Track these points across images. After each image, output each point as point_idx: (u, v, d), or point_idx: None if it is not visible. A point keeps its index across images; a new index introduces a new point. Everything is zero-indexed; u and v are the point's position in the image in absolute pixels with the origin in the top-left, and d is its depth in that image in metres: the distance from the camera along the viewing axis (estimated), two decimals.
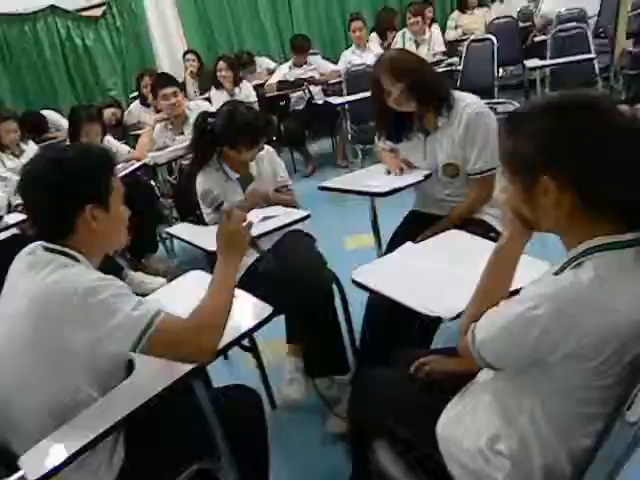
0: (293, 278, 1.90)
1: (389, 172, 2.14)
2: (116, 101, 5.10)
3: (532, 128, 0.92)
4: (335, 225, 3.62)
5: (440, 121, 1.97)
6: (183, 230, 2.29)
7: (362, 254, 2.26)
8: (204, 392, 1.31)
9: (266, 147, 2.34)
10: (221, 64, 5.01)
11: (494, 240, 1.94)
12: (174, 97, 3.63)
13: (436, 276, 1.31)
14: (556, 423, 0.95)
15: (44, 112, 4.94)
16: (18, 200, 3.23)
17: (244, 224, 1.39)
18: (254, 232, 1.48)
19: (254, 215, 1.91)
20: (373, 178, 2.13)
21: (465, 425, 1.07)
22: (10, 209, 3.13)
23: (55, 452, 1.10)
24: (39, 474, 1.05)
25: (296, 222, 1.92)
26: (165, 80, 3.72)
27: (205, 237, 1.85)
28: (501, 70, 5.54)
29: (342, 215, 3.76)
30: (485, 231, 2.01)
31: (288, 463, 1.90)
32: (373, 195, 1.96)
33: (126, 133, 4.60)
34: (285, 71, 5.43)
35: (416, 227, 2.14)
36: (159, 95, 3.66)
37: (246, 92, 5.09)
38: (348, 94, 4.71)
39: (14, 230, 2.99)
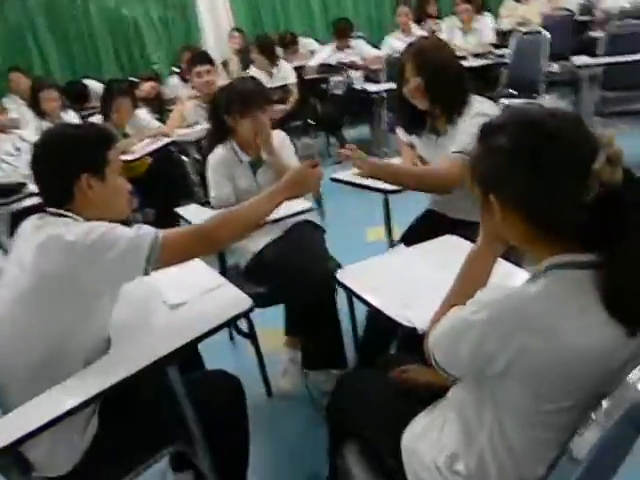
0: (294, 269, 1.89)
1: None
2: (156, 74, 5.15)
3: (486, 145, 0.90)
4: (358, 215, 3.57)
5: (449, 126, 1.91)
6: (192, 212, 2.30)
7: (382, 246, 2.23)
8: (177, 376, 1.31)
9: (277, 132, 2.33)
10: (252, 47, 4.99)
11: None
12: (207, 75, 3.62)
13: (422, 283, 1.26)
14: (512, 445, 0.90)
15: (87, 82, 5.05)
16: None
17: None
18: None
19: None
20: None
21: (430, 439, 1.04)
22: None
23: (20, 424, 1.12)
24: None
25: (299, 213, 1.88)
26: (200, 57, 3.72)
27: None
28: (555, 65, 5.31)
29: (366, 206, 3.68)
30: None
31: (276, 450, 1.91)
32: (378, 191, 1.90)
33: (162, 107, 4.64)
34: (327, 54, 5.37)
35: (428, 227, 2.09)
36: (193, 72, 3.66)
37: (284, 73, 5.06)
38: (387, 81, 4.60)
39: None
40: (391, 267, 1.40)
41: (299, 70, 5.36)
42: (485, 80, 4.81)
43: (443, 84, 1.86)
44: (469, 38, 5.33)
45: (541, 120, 0.85)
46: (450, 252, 1.35)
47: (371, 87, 4.60)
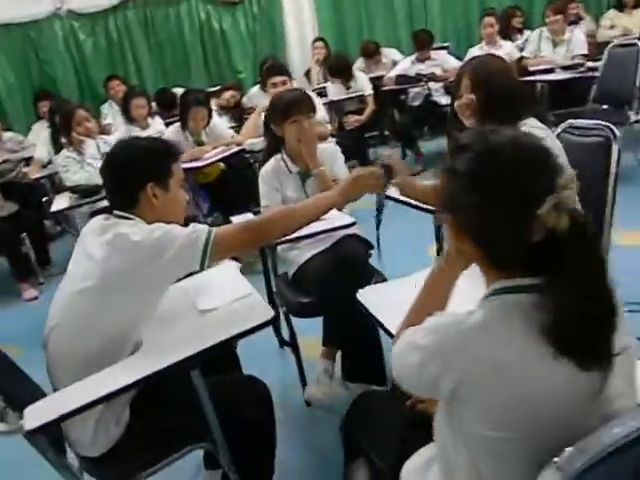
0: (331, 281, 1.90)
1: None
2: (238, 84, 5.35)
3: (449, 164, 0.88)
4: (425, 230, 3.51)
5: None
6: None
7: None
8: (199, 379, 1.37)
9: (328, 145, 2.37)
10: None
11: None
12: (282, 85, 3.71)
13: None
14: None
15: (176, 90, 5.35)
16: None
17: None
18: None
19: None
20: None
21: (424, 477, 1.01)
22: None
23: (51, 411, 1.22)
24: (33, 426, 1.18)
25: (340, 228, 1.89)
26: (276, 68, 3.83)
27: None
28: None
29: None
30: None
31: (308, 458, 1.92)
32: (425, 211, 1.87)
33: (242, 116, 4.82)
34: (406, 65, 5.34)
35: None
36: (269, 83, 3.78)
37: (361, 84, 5.09)
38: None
39: None
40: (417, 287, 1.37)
41: (379, 80, 5.39)
42: (574, 93, 4.58)
43: (496, 106, 1.80)
44: (559, 49, 5.08)
45: (499, 148, 0.82)
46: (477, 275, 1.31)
47: (441, 99, 4.51)
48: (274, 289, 2.32)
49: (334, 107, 5.31)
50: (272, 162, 2.35)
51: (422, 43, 5.12)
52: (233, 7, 6.09)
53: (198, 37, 6.01)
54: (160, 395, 1.45)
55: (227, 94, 4.77)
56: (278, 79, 3.71)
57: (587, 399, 0.79)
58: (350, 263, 2.02)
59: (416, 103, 5.21)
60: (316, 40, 6.25)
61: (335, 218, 1.85)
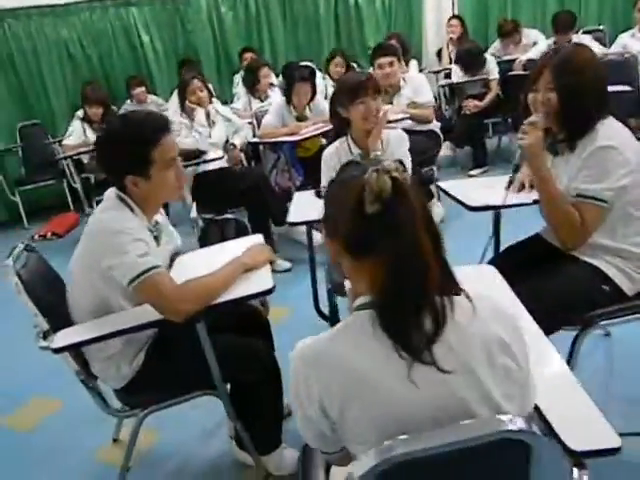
0: None
1: (509, 185, 1.92)
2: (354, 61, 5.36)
3: None
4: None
5: (567, 150, 1.72)
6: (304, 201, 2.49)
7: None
8: (204, 332, 1.52)
9: (396, 131, 2.36)
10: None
11: (603, 293, 1.65)
12: (389, 67, 3.70)
13: None
14: None
15: (302, 64, 5.54)
16: (237, 140, 3.83)
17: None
18: None
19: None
20: (492, 187, 1.95)
21: None
22: (228, 147, 3.71)
23: (74, 336, 1.48)
24: (59, 345, 1.44)
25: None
26: (383, 49, 3.80)
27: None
28: None
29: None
30: (598, 280, 1.71)
31: None
32: (463, 205, 1.81)
33: None
34: (543, 48, 4.93)
35: (528, 254, 1.93)
36: (375, 63, 3.78)
37: (487, 68, 4.84)
38: None
39: (222, 163, 3.58)
40: None
41: (511, 63, 5.08)
42: None
43: (578, 110, 1.67)
44: None
45: (355, 178, 0.90)
46: (480, 281, 1.28)
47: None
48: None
49: (457, 90, 5.13)
50: (336, 144, 2.41)
51: (562, 26, 4.70)
52: None
53: (332, 12, 6.09)
54: (173, 344, 1.63)
55: (335, 69, 4.81)
56: (384, 60, 3.69)
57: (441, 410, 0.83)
58: None
59: None
60: (451, 18, 6.02)
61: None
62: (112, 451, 2.08)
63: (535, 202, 1.83)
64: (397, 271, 0.86)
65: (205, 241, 3.28)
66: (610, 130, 1.66)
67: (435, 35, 6.48)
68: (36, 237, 4.77)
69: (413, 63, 5.01)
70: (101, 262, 1.49)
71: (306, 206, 2.36)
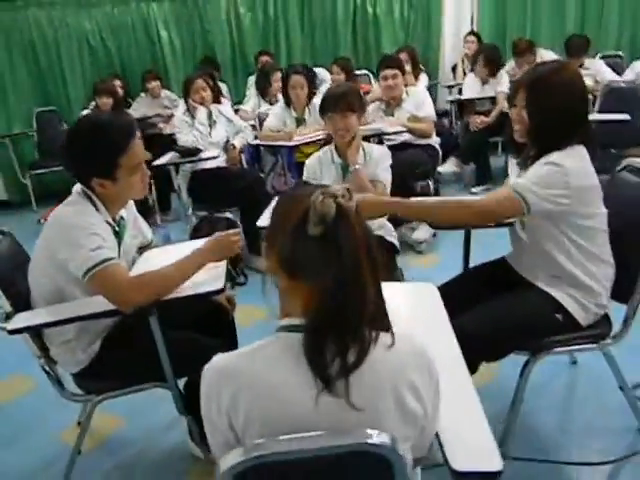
0: None
1: None
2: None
3: None
4: None
5: (531, 165, 1.73)
6: None
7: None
8: (156, 325, 1.58)
9: (382, 147, 2.42)
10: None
11: (555, 322, 1.67)
12: (392, 79, 3.74)
13: None
14: None
15: (317, 69, 5.59)
16: (237, 141, 3.89)
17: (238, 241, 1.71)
18: None
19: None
20: None
21: None
22: (228, 147, 3.77)
23: (31, 320, 1.56)
24: (15, 327, 1.53)
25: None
26: (388, 61, 3.84)
27: None
28: None
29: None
30: (551, 308, 1.73)
31: None
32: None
33: None
34: None
35: (489, 276, 1.96)
36: (380, 75, 3.82)
37: (500, 84, 4.83)
38: (600, 111, 4.05)
39: (219, 163, 3.65)
40: None
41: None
42: None
43: (544, 129, 1.68)
44: None
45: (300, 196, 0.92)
46: (419, 298, 1.31)
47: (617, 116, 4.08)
48: None
49: (466, 106, 5.14)
50: (320, 152, 2.46)
51: (574, 49, 4.69)
52: None
53: (351, 20, 6.13)
54: (129, 336, 1.69)
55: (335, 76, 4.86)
56: (388, 72, 3.73)
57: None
58: None
59: None
60: (469, 34, 6.03)
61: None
62: (76, 433, 2.15)
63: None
64: (333, 298, 0.85)
65: (196, 238, 3.35)
66: (569, 154, 1.65)
67: (452, 50, 6.48)
68: (42, 220, 4.89)
69: (423, 77, 5.03)
70: (57, 254, 1.55)
71: None
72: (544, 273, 1.78)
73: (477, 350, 1.73)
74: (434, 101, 6.13)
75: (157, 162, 3.47)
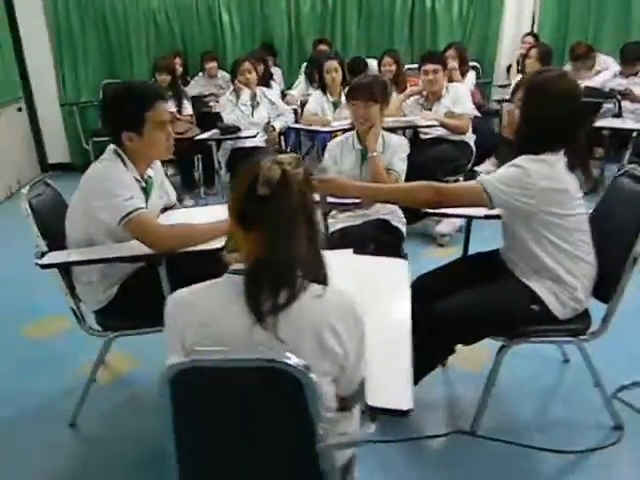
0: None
1: None
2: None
3: None
4: None
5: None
6: None
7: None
8: (164, 274, 1.80)
9: (400, 138, 2.53)
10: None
11: (531, 312, 1.77)
12: (433, 74, 3.82)
13: None
14: None
15: (368, 60, 5.70)
16: (277, 123, 4.08)
17: None
18: None
19: None
20: None
21: None
22: (268, 128, 3.98)
23: (60, 258, 1.82)
24: (45, 262, 1.78)
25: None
26: (429, 56, 3.92)
27: None
28: None
29: None
30: (528, 299, 1.83)
31: None
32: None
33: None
34: (607, 77, 4.85)
35: (479, 265, 2.07)
36: (422, 69, 3.91)
37: None
38: None
39: (258, 142, 3.86)
40: None
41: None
42: None
43: (528, 133, 1.78)
44: None
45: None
46: (387, 270, 1.46)
47: (622, 123, 4.06)
48: None
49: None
50: (342, 137, 2.61)
51: (629, 56, 4.59)
52: None
53: (408, 13, 6.17)
54: (143, 285, 1.92)
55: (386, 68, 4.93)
56: (429, 67, 3.81)
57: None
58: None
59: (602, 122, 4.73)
60: (527, 34, 5.97)
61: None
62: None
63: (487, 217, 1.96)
64: (270, 247, 1.04)
65: None
66: (538, 159, 1.72)
67: (510, 50, 6.42)
68: None
69: (470, 74, 5.04)
70: (91, 203, 1.79)
71: None
72: (524, 266, 1.88)
73: (453, 332, 1.87)
74: (487, 100, 6.15)
75: (199, 137, 3.71)
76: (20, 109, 5.73)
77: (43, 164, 6.18)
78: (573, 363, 2.40)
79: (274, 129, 3.95)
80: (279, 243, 1.03)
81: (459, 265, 2.15)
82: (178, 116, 4.74)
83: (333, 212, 2.52)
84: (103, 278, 1.91)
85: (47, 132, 6.14)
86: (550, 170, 1.72)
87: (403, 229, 2.52)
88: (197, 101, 5.42)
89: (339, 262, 1.61)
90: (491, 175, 1.77)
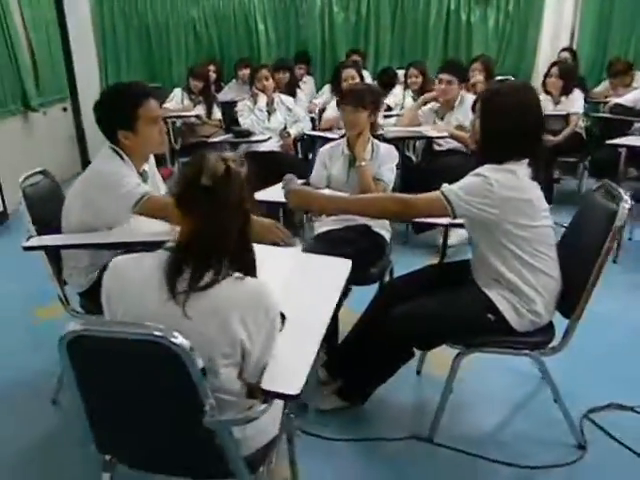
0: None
1: None
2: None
3: None
4: None
5: None
6: None
7: None
8: None
9: (389, 147, 2.57)
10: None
11: (487, 322, 1.79)
12: (446, 84, 3.82)
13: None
14: None
15: (399, 71, 5.73)
16: (293, 129, 4.18)
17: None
18: None
19: None
20: None
21: None
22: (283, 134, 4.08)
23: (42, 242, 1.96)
24: (27, 245, 1.92)
25: None
26: (446, 66, 3.93)
27: None
28: None
29: None
30: (485, 308, 1.83)
31: None
32: None
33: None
34: (636, 96, 4.68)
35: (446, 273, 2.10)
36: (437, 78, 3.92)
37: (571, 103, 4.69)
38: None
39: (272, 147, 3.97)
40: None
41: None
42: None
43: (488, 143, 1.81)
44: None
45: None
46: (327, 269, 1.53)
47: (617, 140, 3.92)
48: None
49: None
50: (332, 143, 2.67)
51: None
52: (486, 1, 6.07)
53: (443, 25, 6.17)
54: None
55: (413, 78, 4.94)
56: (443, 76, 3.82)
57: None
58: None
59: (629, 140, 4.58)
60: (563, 50, 5.85)
61: None
62: None
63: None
64: (202, 233, 1.14)
65: None
66: (501, 169, 1.74)
67: (547, 64, 6.30)
68: None
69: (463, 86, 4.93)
70: (95, 197, 1.92)
71: None
72: (485, 275, 1.88)
73: (409, 336, 1.90)
74: None
75: (212, 139, 3.86)
76: (65, 109, 6.09)
77: (84, 162, 6.53)
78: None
79: (289, 135, 4.05)
80: (211, 231, 1.13)
81: (429, 272, 2.17)
82: (206, 120, 4.92)
83: (320, 217, 2.58)
84: (86, 266, 2.04)
85: (90, 132, 6.50)
86: (514, 180, 1.73)
87: (386, 235, 2.54)
88: (228, 106, 5.60)
89: (286, 258, 1.70)
90: (454, 185, 1.79)
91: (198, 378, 1.03)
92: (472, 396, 2.28)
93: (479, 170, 1.76)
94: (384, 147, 2.63)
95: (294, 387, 1.11)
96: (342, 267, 1.60)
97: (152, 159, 2.25)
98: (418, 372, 2.41)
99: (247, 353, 1.16)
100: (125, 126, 1.93)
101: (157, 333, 1.00)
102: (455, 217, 1.78)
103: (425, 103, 4.04)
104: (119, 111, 1.92)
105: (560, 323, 1.90)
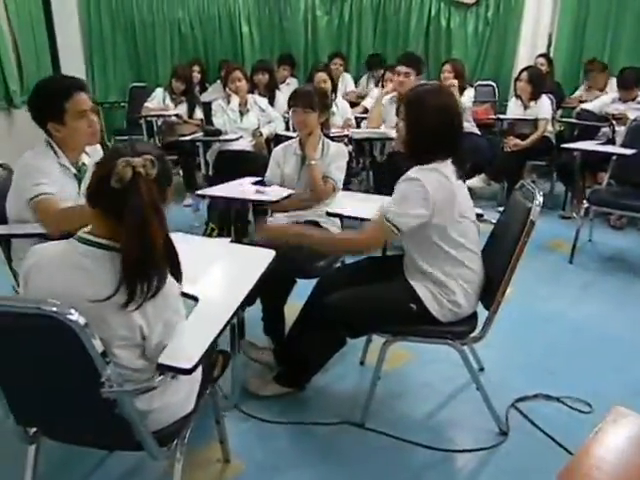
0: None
1: None
2: None
3: None
4: None
5: None
6: None
7: None
8: None
9: (339, 145, 2.68)
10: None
11: (409, 311, 1.90)
12: (403, 76, 3.84)
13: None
14: None
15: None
16: (265, 129, 4.30)
17: None
18: None
19: None
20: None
21: None
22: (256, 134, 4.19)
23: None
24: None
25: None
26: (404, 58, 4.05)
27: None
28: None
29: None
30: (407, 298, 1.94)
31: None
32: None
33: None
34: (606, 101, 4.80)
35: (382, 265, 2.20)
36: (395, 71, 4.01)
37: (540, 108, 4.79)
38: (623, 145, 3.94)
39: (244, 146, 4.09)
40: None
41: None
42: None
43: (413, 143, 1.91)
44: None
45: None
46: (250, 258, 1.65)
47: (575, 145, 4.04)
48: None
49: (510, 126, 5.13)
50: (287, 142, 2.78)
51: (626, 82, 4.54)
52: (466, 8, 6.19)
53: (423, 31, 6.30)
54: None
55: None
56: (400, 68, 3.88)
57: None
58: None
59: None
60: (539, 56, 5.96)
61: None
62: None
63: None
64: (133, 238, 1.19)
65: (212, 209, 3.82)
66: (426, 168, 1.84)
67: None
68: None
69: (468, 92, 5.05)
70: (17, 186, 2.03)
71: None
72: (410, 266, 2.00)
73: (338, 324, 2.01)
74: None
75: (183, 138, 3.98)
76: None
77: None
78: (487, 372, 2.46)
79: (261, 134, 4.16)
80: (138, 234, 1.19)
81: (367, 263, 2.27)
82: (186, 119, 5.03)
83: (273, 213, 2.70)
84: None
85: None
86: (442, 179, 1.84)
87: (333, 229, 2.63)
88: (209, 107, 5.71)
89: (214, 247, 1.81)
90: (387, 202, 1.87)
91: (94, 352, 1.14)
92: (409, 386, 2.39)
93: (409, 174, 1.86)
94: (334, 146, 2.73)
95: (188, 362, 1.21)
96: (264, 258, 1.70)
97: (100, 151, 2.29)
98: (361, 363, 2.52)
99: (146, 337, 1.26)
100: (54, 119, 1.99)
101: (54, 309, 1.10)
102: (402, 234, 1.85)
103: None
104: (48, 104, 1.98)
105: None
